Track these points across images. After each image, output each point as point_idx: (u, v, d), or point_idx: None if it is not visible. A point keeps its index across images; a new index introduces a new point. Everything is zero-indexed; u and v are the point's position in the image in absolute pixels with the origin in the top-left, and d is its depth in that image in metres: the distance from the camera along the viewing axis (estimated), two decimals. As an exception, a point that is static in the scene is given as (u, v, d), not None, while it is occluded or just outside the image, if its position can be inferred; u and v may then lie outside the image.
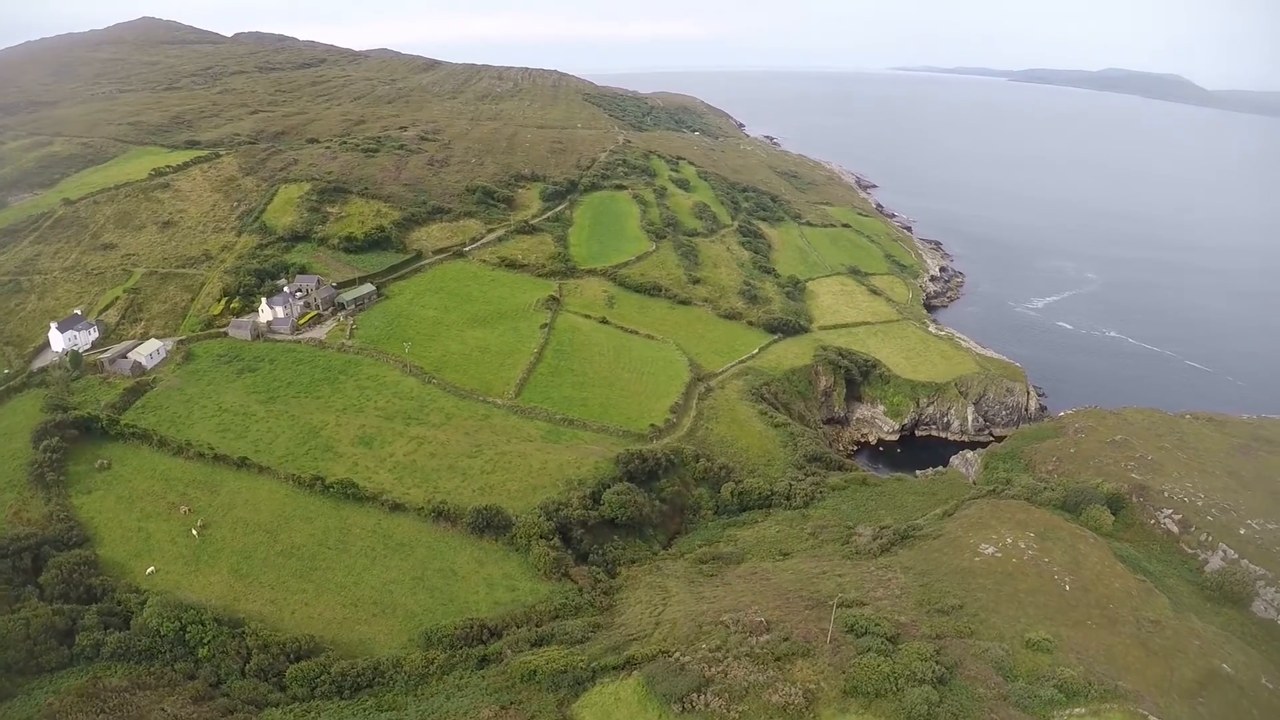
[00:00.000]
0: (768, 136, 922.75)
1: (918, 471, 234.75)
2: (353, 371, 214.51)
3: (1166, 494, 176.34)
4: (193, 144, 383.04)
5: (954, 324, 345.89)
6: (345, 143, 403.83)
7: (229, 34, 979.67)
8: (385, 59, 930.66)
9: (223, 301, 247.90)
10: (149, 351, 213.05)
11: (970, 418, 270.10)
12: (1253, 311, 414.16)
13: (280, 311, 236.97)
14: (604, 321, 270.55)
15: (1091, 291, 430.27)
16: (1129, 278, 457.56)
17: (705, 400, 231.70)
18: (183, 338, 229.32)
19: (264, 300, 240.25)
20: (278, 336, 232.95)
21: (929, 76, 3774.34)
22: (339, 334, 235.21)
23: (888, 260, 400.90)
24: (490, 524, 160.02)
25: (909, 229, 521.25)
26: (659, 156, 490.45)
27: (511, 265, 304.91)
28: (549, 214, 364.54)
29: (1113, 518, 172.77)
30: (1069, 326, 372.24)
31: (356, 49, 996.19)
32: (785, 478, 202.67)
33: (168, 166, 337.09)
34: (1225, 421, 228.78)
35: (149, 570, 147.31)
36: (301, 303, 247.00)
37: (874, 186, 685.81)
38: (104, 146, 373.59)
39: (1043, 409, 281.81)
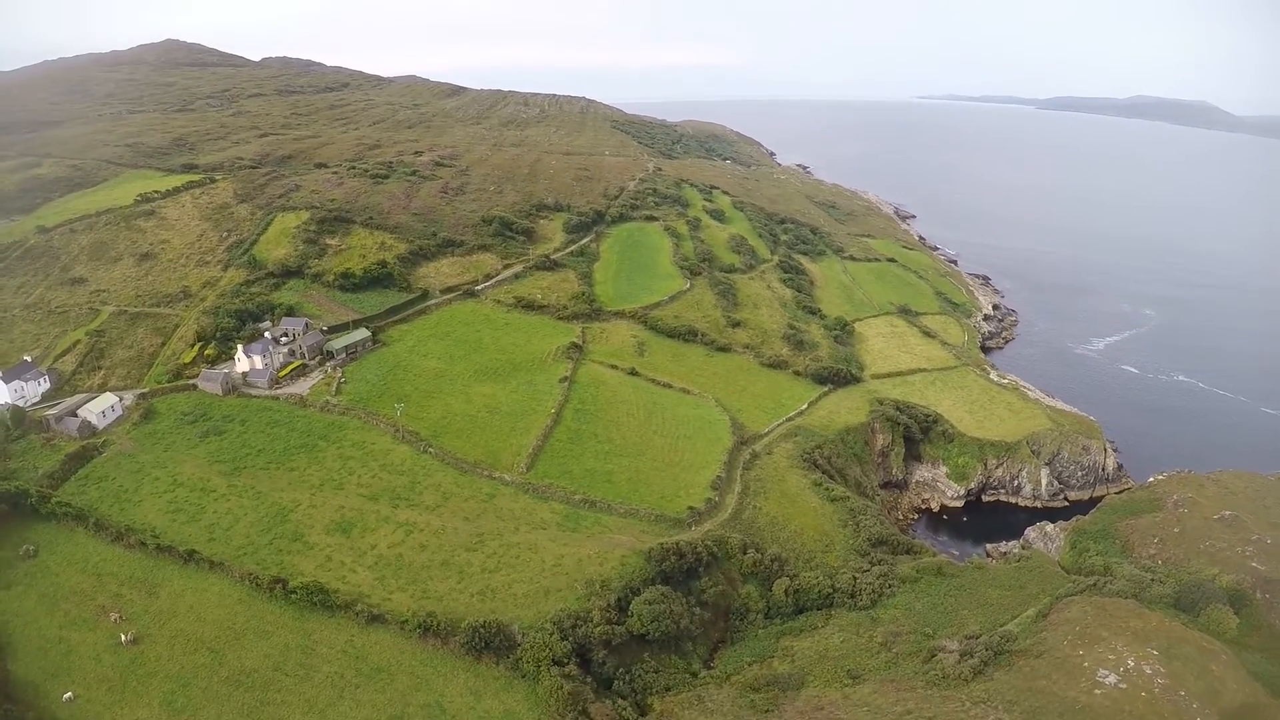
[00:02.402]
0: (800, 165, 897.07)
1: (988, 546, 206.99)
2: (335, 437, 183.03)
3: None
4: (190, 168, 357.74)
5: (1012, 368, 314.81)
6: (355, 168, 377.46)
7: (257, 58, 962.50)
8: (411, 84, 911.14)
9: (196, 347, 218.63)
10: (102, 408, 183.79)
11: (1044, 481, 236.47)
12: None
13: (259, 361, 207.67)
14: (633, 373, 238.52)
15: (1152, 331, 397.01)
16: (1189, 316, 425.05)
17: (751, 470, 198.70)
18: (145, 390, 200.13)
19: (240, 348, 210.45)
20: (254, 391, 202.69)
21: (956, 105, 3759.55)
22: (324, 389, 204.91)
23: (939, 298, 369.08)
24: (490, 643, 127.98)
25: (955, 262, 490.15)
26: (691, 185, 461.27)
27: (529, 306, 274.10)
28: (573, 247, 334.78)
29: (1236, 620, 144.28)
30: (1135, 370, 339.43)
31: (384, 75, 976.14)
32: (847, 568, 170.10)
33: (156, 192, 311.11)
34: None
35: (66, 696, 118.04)
36: (285, 349, 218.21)
37: (912, 217, 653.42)
38: (94, 170, 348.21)
39: (1120, 468, 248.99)
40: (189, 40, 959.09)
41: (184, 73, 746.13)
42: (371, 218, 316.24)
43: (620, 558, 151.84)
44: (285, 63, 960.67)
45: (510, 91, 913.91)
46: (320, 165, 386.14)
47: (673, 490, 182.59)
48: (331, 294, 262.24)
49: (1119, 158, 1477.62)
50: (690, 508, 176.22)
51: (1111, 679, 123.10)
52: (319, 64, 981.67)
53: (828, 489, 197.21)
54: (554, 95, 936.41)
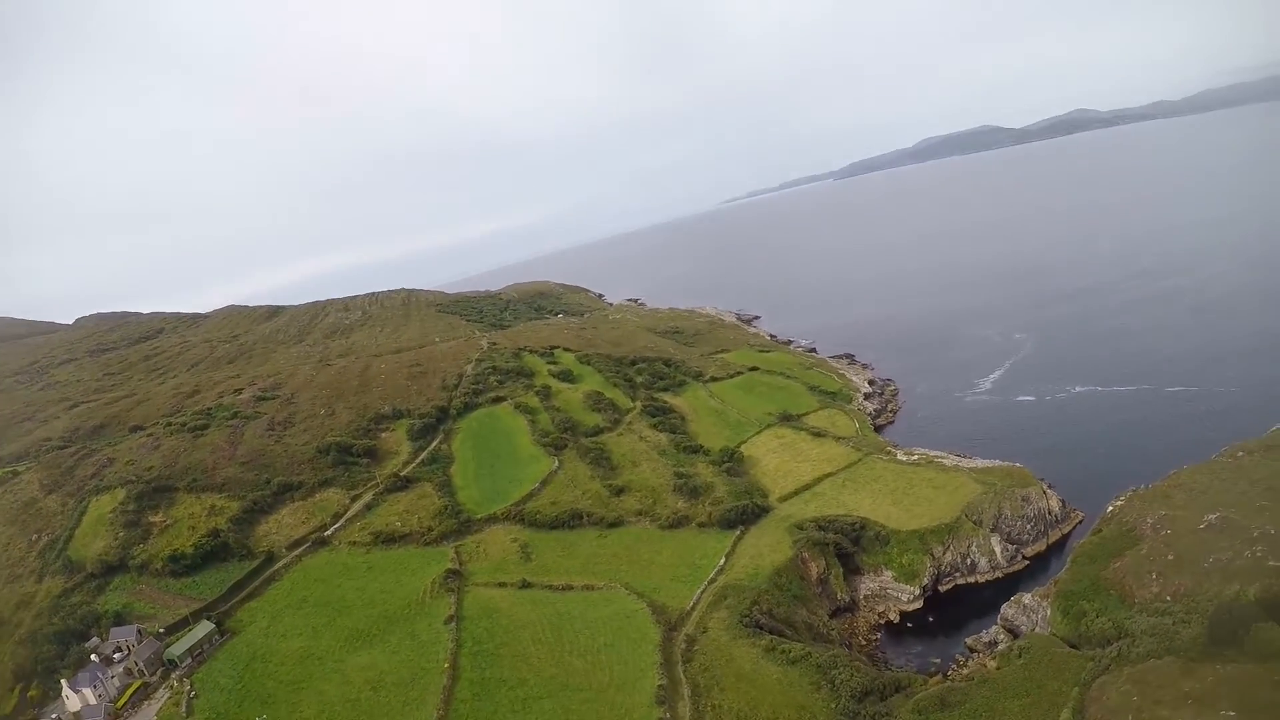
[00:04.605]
0: (631, 299, 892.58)
1: (968, 641, 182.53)
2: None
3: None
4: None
5: (914, 440, 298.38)
6: (172, 424, 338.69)
7: (71, 320, 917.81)
8: (228, 315, 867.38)
9: (16, 691, 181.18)
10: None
11: (998, 549, 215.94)
12: (1200, 316, 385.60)
13: (90, 695, 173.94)
14: (525, 585, 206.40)
15: (1031, 354, 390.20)
16: (1058, 328, 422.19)
17: (692, 660, 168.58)
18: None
19: (65, 683, 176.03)
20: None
21: (759, 200, 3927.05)
22: (173, 710, 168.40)
23: (814, 393, 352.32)
24: None
25: (814, 350, 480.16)
26: (530, 352, 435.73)
27: (390, 539, 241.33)
28: (423, 455, 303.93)
29: None
30: (1031, 398, 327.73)
31: (202, 311, 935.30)
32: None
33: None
34: (1277, 444, 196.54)
35: None
36: (121, 668, 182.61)
37: (757, 318, 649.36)
38: None
39: (1064, 504, 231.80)
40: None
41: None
42: (195, 479, 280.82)
43: None
44: (100, 319, 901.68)
45: (329, 300, 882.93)
46: (136, 428, 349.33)
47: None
48: (163, 584, 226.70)
49: (918, 202, 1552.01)
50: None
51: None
52: (134, 313, 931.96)
53: (784, 650, 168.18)
54: (374, 294, 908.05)
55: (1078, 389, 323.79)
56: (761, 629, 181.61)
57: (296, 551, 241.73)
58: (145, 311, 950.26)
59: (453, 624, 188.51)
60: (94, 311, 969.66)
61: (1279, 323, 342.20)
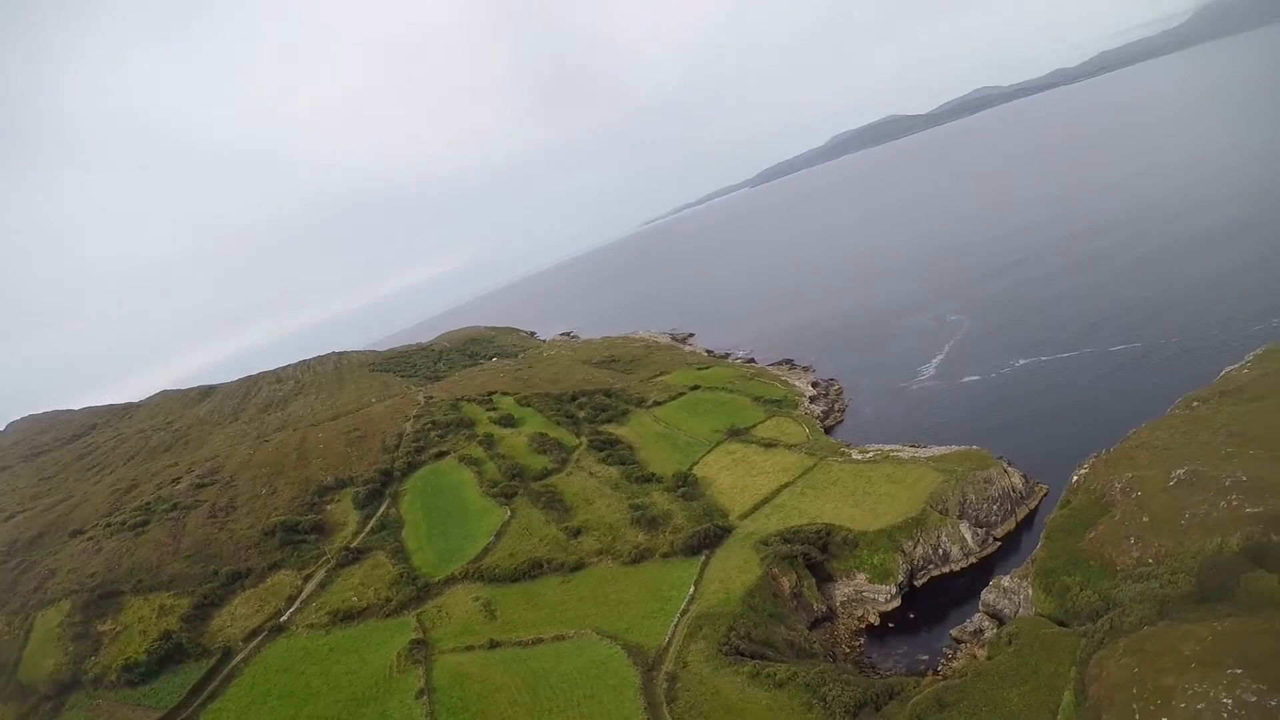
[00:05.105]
0: (564, 334, 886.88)
1: (952, 633, 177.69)
2: None
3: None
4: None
5: (866, 437, 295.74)
6: (111, 524, 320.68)
7: (2, 426, 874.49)
8: (161, 401, 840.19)
9: None
10: None
11: (968, 535, 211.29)
12: (1132, 273, 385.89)
13: None
14: (494, 645, 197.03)
15: (970, 333, 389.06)
16: (994, 305, 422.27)
17: (676, 698, 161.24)
18: None
19: None
20: None
21: (678, 217, 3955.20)
22: None
23: (758, 404, 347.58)
24: None
25: (753, 360, 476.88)
26: (469, 401, 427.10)
27: (349, 617, 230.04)
28: (371, 523, 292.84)
29: (1275, 577, 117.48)
30: (977, 377, 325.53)
31: (135, 399, 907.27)
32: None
33: None
34: (1229, 389, 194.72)
35: None
36: None
37: (692, 335, 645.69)
38: None
39: (1026, 479, 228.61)
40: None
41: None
42: (141, 580, 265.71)
43: None
44: (32, 421, 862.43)
45: (261, 374, 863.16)
46: (76, 532, 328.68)
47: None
48: (121, 695, 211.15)
49: (833, 198, 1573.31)
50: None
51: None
52: (67, 410, 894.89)
53: (769, 674, 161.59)
54: (304, 361, 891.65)
55: (1021, 362, 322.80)
56: (743, 655, 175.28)
57: (254, 642, 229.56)
58: (78, 408, 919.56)
59: (424, 697, 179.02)
60: (26, 414, 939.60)
61: (1209, 270, 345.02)
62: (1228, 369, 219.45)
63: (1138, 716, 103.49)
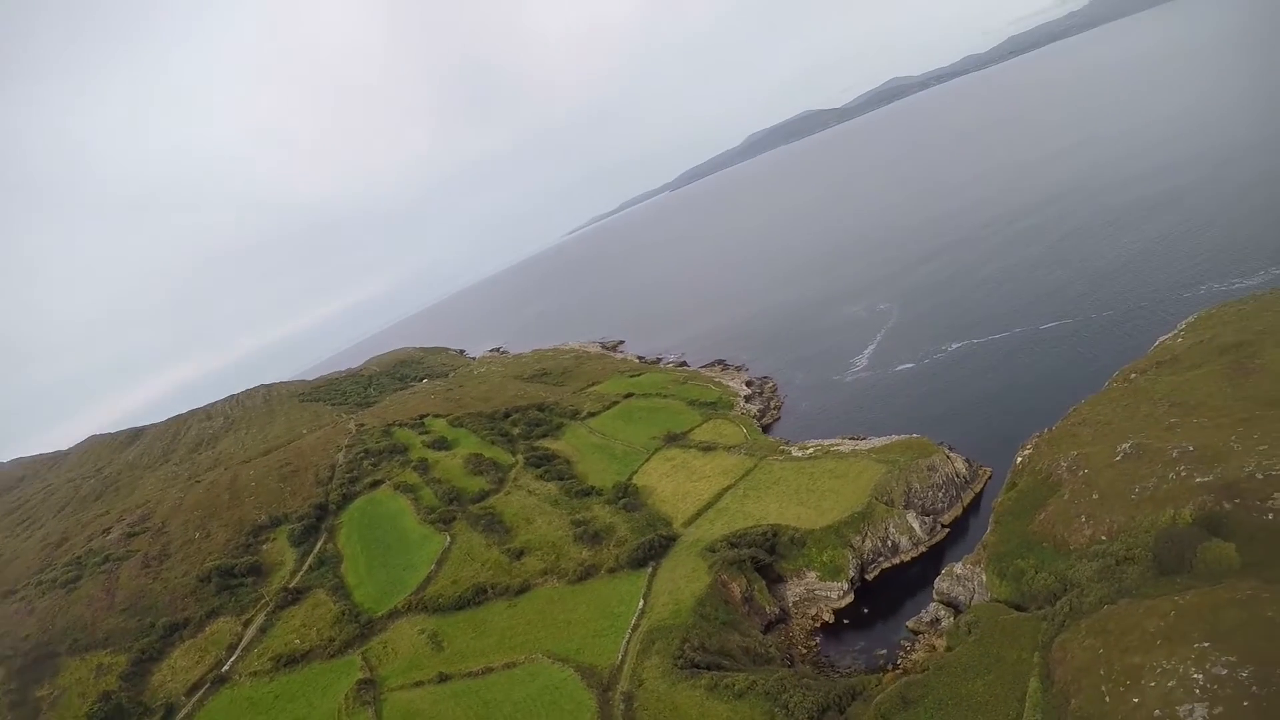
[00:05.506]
0: (493, 350, 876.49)
1: (909, 624, 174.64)
2: None
3: (1249, 473, 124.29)
4: None
5: (804, 434, 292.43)
6: (43, 581, 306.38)
7: None
8: (90, 448, 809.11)
9: None
10: None
11: (915, 524, 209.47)
12: (1059, 250, 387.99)
13: None
14: (443, 679, 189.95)
15: (901, 321, 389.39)
16: (923, 292, 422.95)
17: (634, 717, 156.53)
18: None
19: None
20: None
21: (599, 225, 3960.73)
22: None
23: (693, 407, 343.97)
24: None
25: (685, 364, 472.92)
26: (401, 426, 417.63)
27: (292, 660, 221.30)
28: (309, 560, 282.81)
29: (1232, 545, 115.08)
30: (911, 365, 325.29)
31: (64, 447, 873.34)
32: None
33: None
34: (1166, 358, 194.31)
35: None
36: None
37: (621, 343, 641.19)
38: None
39: (969, 463, 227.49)
40: None
41: None
42: (77, 639, 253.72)
43: None
44: None
45: (190, 412, 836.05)
46: (8, 593, 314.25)
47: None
48: None
49: (750, 197, 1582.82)
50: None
51: (1200, 712, 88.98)
52: None
53: (728, 685, 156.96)
54: (232, 396, 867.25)
55: (954, 346, 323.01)
56: (699, 667, 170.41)
57: (196, 696, 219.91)
58: (6, 460, 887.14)
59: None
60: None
61: (1138, 241, 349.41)
62: (1161, 338, 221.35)
63: (1108, 699, 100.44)
